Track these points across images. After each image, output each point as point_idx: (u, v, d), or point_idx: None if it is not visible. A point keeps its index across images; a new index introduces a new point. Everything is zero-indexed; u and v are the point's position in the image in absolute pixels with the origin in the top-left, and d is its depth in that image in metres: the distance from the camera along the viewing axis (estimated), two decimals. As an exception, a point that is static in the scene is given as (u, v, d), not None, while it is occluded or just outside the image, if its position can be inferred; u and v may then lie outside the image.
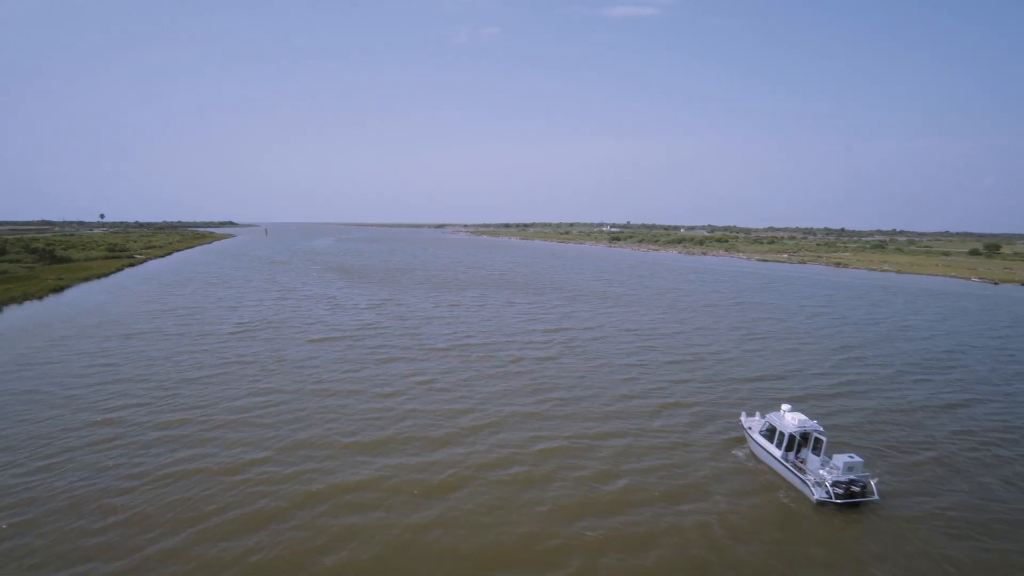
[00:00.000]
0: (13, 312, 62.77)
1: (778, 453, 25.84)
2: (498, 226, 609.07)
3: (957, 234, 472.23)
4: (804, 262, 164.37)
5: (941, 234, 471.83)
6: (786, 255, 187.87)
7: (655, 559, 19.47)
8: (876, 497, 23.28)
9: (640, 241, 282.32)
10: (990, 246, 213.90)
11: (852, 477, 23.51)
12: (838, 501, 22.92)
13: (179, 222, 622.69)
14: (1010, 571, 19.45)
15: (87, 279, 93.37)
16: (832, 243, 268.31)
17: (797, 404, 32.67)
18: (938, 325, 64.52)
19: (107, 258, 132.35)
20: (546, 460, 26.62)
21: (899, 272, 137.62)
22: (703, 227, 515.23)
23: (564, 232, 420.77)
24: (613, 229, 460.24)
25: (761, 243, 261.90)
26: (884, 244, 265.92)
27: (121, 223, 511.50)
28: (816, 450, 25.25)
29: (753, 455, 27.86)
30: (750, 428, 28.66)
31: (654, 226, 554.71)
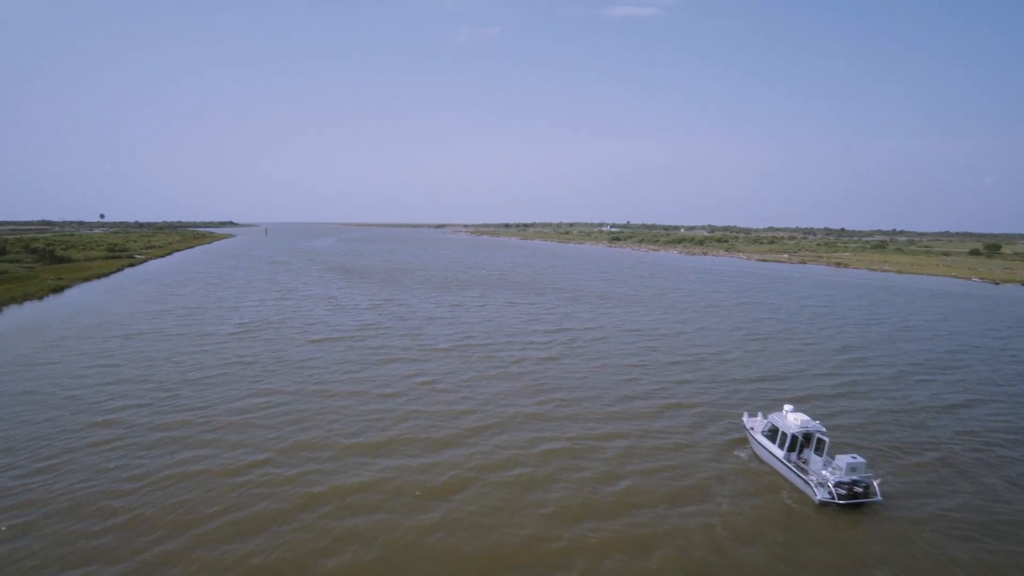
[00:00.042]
0: (13, 312, 62.66)
1: (780, 453, 25.75)
2: (498, 226, 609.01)
3: (957, 234, 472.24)
4: (804, 262, 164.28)
5: (941, 234, 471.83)
6: (786, 255, 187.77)
7: (659, 561, 19.36)
8: (879, 498, 23.19)
9: (640, 241, 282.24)
10: (990, 246, 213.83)
11: (855, 478, 23.40)
12: (841, 502, 22.82)
13: (179, 222, 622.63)
14: (1015, 573, 19.34)
15: (87, 279, 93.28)
16: (832, 243, 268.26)
17: (799, 405, 32.59)
18: (939, 325, 64.42)
19: (107, 258, 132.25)
20: (548, 461, 26.52)
21: (899, 272, 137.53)
22: (703, 227, 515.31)
23: (564, 232, 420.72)
24: (613, 229, 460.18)
25: (761, 243, 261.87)
26: (884, 244, 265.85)
27: (121, 223, 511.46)
28: (818, 451, 25.18)
29: (755, 456, 27.77)
30: (752, 428, 28.57)
31: (654, 226, 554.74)
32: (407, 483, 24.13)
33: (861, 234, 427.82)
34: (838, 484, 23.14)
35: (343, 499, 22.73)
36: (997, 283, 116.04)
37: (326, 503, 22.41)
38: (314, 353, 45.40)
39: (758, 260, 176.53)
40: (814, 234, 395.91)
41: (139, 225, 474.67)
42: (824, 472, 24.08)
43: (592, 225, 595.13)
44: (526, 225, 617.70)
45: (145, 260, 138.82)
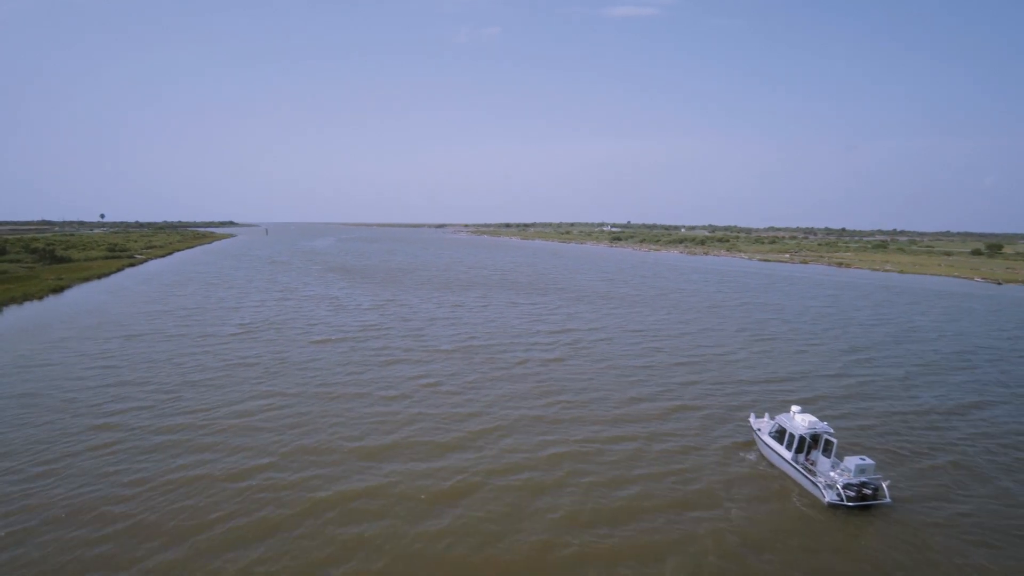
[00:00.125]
0: (13, 312, 62.21)
1: (788, 455, 25.36)
2: (498, 226, 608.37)
3: (958, 234, 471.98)
4: (806, 262, 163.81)
5: (942, 234, 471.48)
6: (788, 255, 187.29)
7: (671, 569, 18.92)
8: (888, 500, 22.78)
9: (641, 241, 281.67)
10: (992, 246, 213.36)
11: (864, 479, 23.02)
12: (850, 504, 22.45)
13: (179, 222, 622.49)
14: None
15: (87, 279, 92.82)
16: (833, 243, 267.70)
17: (807, 406, 32.26)
18: (945, 326, 63.98)
19: (107, 258, 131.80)
20: (556, 465, 26.08)
21: (902, 272, 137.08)
22: (704, 227, 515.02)
23: (565, 232, 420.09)
24: (614, 229, 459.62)
25: (762, 243, 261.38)
26: (885, 244, 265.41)
27: (121, 223, 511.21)
28: (826, 452, 24.82)
29: (763, 457, 27.36)
30: (759, 429, 28.21)
31: (655, 226, 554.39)
32: (413, 488, 23.70)
33: (862, 234, 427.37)
34: (847, 486, 22.77)
35: (348, 504, 22.29)
36: (1000, 283, 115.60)
37: (331, 509, 21.97)
38: (316, 354, 44.96)
39: (760, 260, 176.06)
40: (815, 234, 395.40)
41: (139, 225, 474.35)
42: (832, 474, 23.72)
43: (593, 225, 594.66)
44: (526, 225, 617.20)
45: (145, 260, 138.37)
